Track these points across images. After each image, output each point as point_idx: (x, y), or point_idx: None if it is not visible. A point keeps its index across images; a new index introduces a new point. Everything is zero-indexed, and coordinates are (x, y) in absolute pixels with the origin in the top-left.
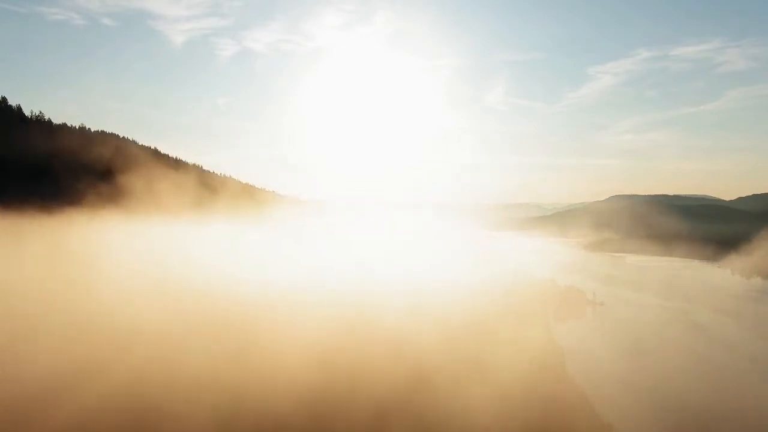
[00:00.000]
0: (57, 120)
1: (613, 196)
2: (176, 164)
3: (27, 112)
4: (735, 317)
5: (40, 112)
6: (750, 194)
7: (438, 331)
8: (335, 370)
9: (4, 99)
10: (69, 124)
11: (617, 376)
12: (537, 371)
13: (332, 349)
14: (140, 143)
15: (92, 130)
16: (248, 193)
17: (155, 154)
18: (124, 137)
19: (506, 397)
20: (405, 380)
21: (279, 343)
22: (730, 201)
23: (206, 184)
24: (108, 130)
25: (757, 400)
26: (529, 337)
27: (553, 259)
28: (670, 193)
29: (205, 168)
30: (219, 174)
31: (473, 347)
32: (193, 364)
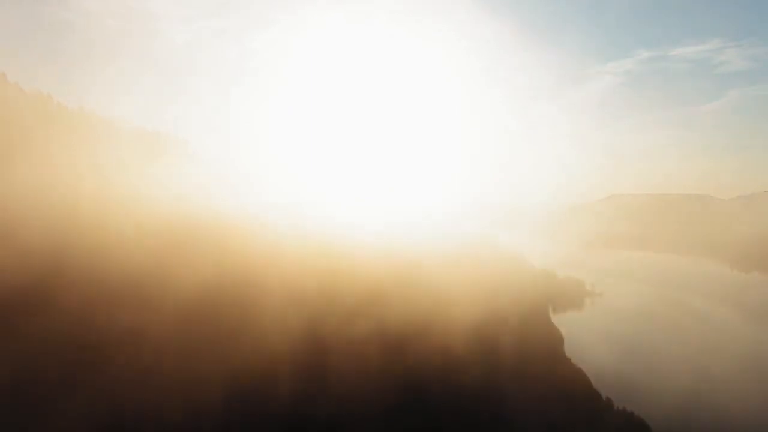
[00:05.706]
0: None
1: (612, 195)
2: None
3: None
4: (730, 307)
5: None
6: (749, 193)
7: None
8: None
9: None
10: None
11: (611, 357)
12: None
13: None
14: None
15: None
16: None
17: None
18: None
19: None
20: None
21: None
22: (730, 200)
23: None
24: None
25: (737, 368)
26: (531, 320)
27: (553, 256)
28: (670, 192)
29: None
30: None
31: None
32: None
